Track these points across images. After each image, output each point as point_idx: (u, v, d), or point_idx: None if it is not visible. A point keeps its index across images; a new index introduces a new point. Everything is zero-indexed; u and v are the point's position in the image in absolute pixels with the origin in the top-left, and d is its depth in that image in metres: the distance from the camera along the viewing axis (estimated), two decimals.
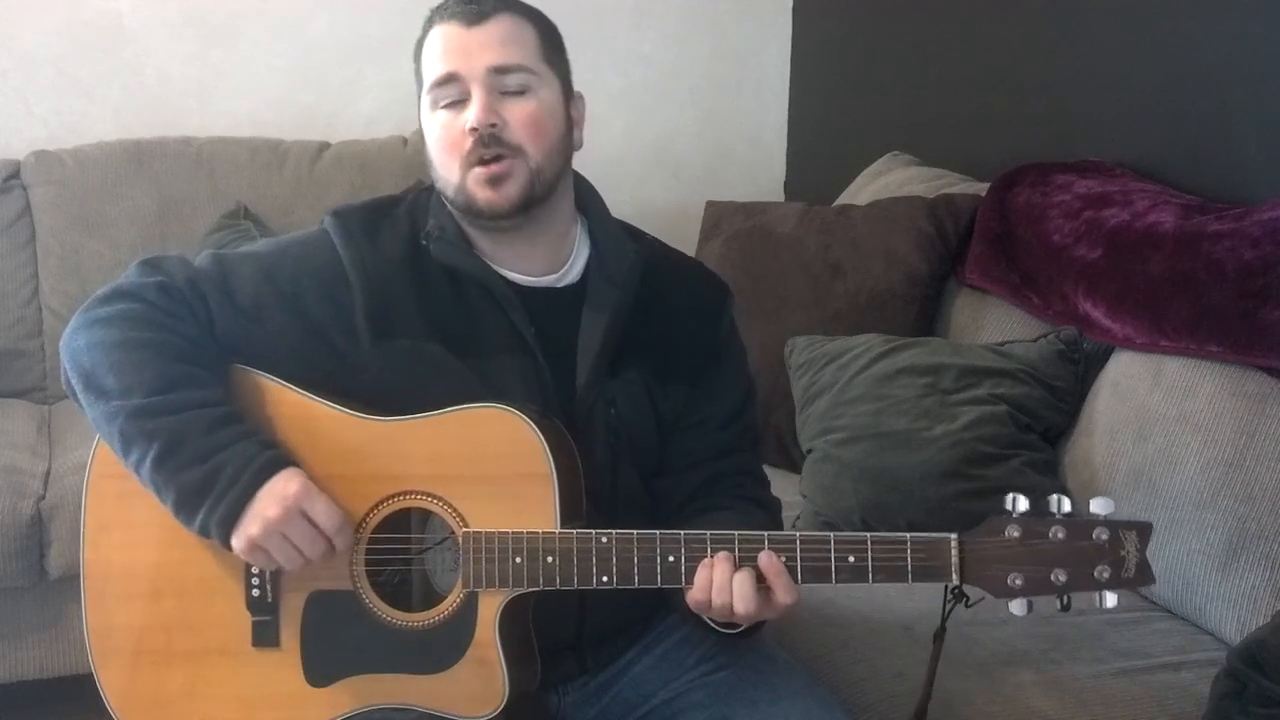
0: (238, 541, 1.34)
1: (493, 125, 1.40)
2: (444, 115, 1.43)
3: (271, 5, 3.13)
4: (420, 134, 1.50)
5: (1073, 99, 2.52)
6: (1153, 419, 1.96)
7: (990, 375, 2.18)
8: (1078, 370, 2.18)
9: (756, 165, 3.56)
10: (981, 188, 2.55)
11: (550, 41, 1.47)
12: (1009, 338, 2.30)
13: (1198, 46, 2.22)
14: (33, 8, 2.97)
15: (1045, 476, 2.11)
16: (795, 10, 3.49)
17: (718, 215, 2.80)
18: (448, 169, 1.44)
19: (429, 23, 1.47)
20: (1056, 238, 2.24)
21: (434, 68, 1.44)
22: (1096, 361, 2.16)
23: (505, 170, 1.41)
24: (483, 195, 1.42)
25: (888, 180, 2.85)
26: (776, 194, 3.55)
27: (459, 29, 1.43)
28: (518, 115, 1.42)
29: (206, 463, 1.34)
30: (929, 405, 2.15)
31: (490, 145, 1.40)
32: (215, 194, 2.92)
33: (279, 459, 1.36)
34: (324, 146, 3.06)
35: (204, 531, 1.35)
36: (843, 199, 2.92)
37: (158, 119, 3.07)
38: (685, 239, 2.70)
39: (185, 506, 1.35)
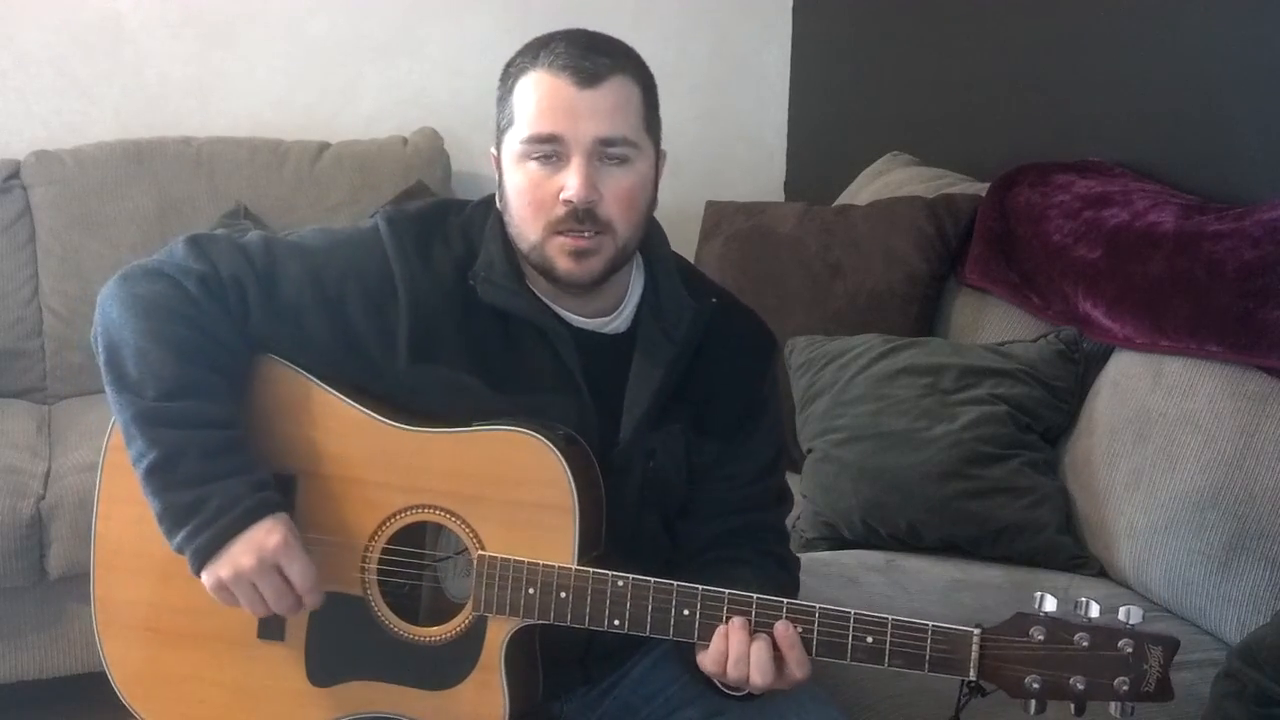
0: (208, 578, 1.34)
1: (591, 201, 1.35)
2: (535, 170, 1.37)
3: (271, 5, 3.13)
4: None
5: (1073, 99, 2.52)
6: (1153, 419, 1.96)
7: (990, 375, 2.17)
8: (1078, 370, 2.18)
9: (756, 165, 3.56)
10: (981, 188, 2.54)
11: (651, 102, 1.42)
12: (1009, 338, 2.30)
13: (1197, 46, 2.22)
14: (33, 8, 2.96)
15: (1045, 476, 2.11)
16: (795, 10, 3.49)
17: (718, 215, 2.80)
18: (528, 225, 1.38)
19: (533, 59, 1.38)
20: (1056, 238, 2.24)
21: (535, 121, 1.36)
22: (1096, 361, 2.16)
23: (593, 247, 1.37)
24: (564, 265, 1.38)
25: (888, 180, 2.85)
26: (776, 194, 3.55)
27: (570, 88, 1.34)
28: (614, 190, 1.37)
29: (195, 489, 1.33)
30: (929, 405, 2.15)
31: (584, 220, 1.35)
32: (215, 194, 2.92)
33: (267, 503, 1.35)
34: (324, 146, 3.06)
35: (179, 552, 1.34)
36: (843, 199, 2.92)
37: (158, 119, 3.07)
38: (685, 239, 2.70)
39: (165, 522, 1.34)
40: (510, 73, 1.41)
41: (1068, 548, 2.06)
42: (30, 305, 2.84)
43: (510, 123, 1.39)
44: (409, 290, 1.41)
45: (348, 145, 3.08)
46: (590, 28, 1.44)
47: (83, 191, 2.85)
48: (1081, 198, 2.25)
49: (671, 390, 1.46)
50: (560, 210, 1.36)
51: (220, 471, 1.34)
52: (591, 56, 1.36)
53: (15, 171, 2.87)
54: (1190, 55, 2.24)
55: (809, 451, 2.26)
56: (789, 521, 2.20)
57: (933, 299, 2.52)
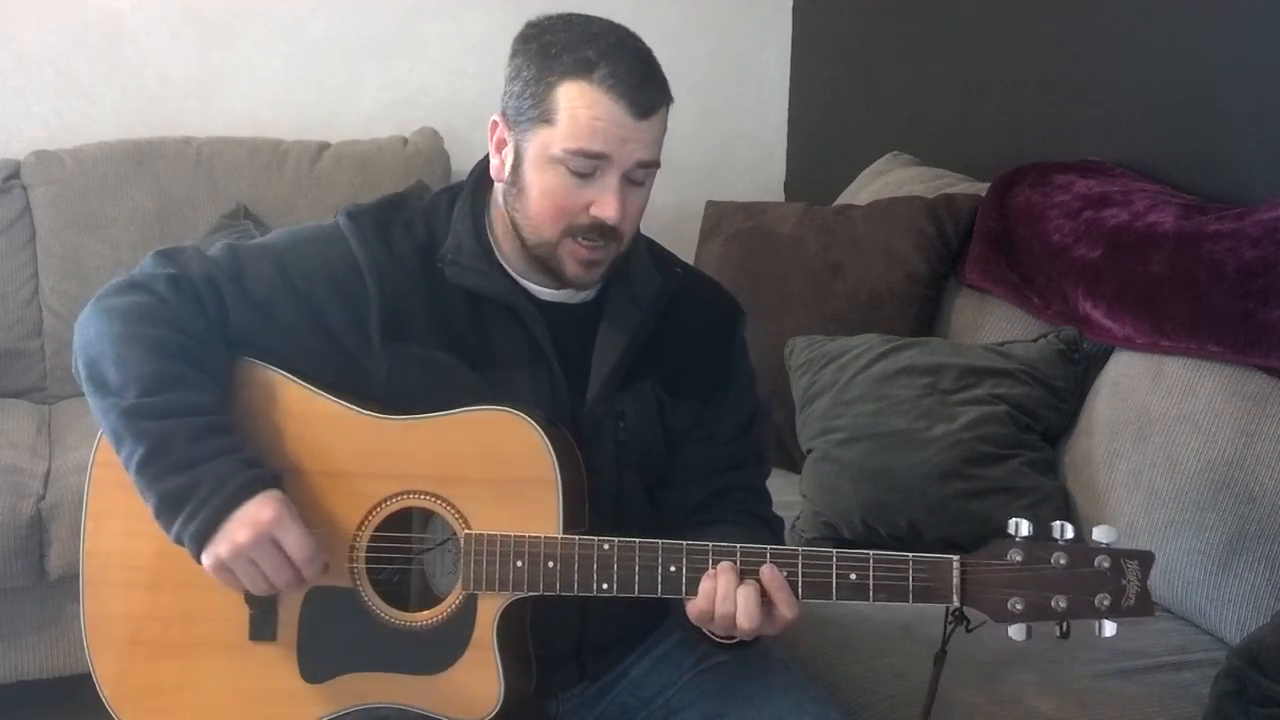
0: (207, 559, 1.34)
1: (621, 223, 1.40)
2: (566, 177, 1.38)
3: (271, 5, 3.13)
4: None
5: (1073, 99, 2.52)
6: (1153, 419, 1.96)
7: (990, 375, 2.17)
8: (1078, 370, 2.18)
9: (756, 165, 3.56)
10: (981, 188, 2.54)
11: (667, 119, 1.44)
12: (1009, 338, 2.30)
13: (1198, 46, 2.22)
14: (33, 8, 2.96)
15: (1045, 476, 2.11)
16: (795, 10, 3.49)
17: (718, 215, 2.80)
18: (546, 223, 1.41)
19: (586, 70, 1.36)
20: (1056, 238, 2.24)
21: (588, 138, 1.36)
22: (1096, 361, 2.16)
23: (604, 257, 1.43)
24: (573, 270, 1.43)
25: (888, 180, 2.85)
26: (776, 194, 3.55)
27: (627, 117, 1.36)
28: (633, 207, 1.42)
29: (185, 474, 1.34)
30: (929, 405, 2.15)
31: (605, 235, 1.40)
32: (215, 194, 2.92)
33: (259, 479, 1.35)
34: (324, 146, 3.06)
35: (178, 541, 1.35)
36: (843, 199, 2.92)
37: (158, 119, 3.07)
38: (685, 239, 2.70)
39: (162, 514, 1.35)
40: (553, 66, 1.37)
41: None
42: (30, 305, 2.84)
43: (548, 121, 1.37)
44: (375, 276, 1.44)
45: (348, 145, 3.08)
46: None
47: (83, 191, 2.85)
48: (1081, 198, 2.25)
49: (639, 353, 1.50)
50: (585, 221, 1.40)
51: (208, 453, 1.35)
52: (647, 88, 1.38)
53: (15, 171, 2.87)
54: (1190, 55, 2.24)
55: (809, 451, 2.26)
56: (789, 522, 2.21)
57: (933, 299, 2.52)
